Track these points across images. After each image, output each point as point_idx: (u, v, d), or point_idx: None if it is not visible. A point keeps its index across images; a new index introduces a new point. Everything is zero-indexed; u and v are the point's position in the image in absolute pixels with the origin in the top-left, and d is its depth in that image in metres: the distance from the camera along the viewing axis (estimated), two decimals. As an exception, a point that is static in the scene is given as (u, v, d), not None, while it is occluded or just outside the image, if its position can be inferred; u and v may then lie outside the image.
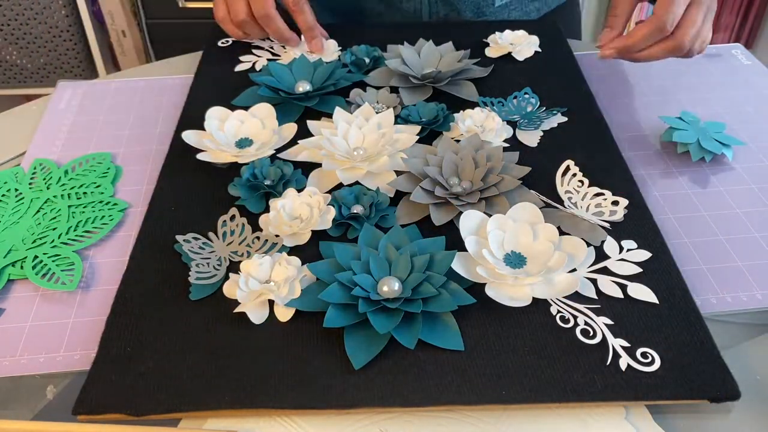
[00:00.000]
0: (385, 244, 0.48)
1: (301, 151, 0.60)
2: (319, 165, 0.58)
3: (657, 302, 0.47)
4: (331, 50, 0.75)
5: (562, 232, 0.51)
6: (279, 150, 0.60)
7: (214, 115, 0.62)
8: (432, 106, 0.64)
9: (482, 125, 0.62)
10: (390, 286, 0.45)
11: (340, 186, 0.56)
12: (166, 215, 0.55)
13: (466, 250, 0.48)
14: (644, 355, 0.43)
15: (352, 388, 0.42)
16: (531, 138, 0.62)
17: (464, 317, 0.45)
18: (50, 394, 0.44)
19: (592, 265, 0.49)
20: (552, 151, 0.61)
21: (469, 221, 0.50)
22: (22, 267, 0.51)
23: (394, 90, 0.68)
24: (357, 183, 0.56)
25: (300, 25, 0.74)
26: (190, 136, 0.61)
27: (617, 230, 0.52)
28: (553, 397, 0.41)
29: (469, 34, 0.78)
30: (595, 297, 0.47)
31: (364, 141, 0.59)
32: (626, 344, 0.44)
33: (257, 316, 0.46)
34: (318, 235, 0.52)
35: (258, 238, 0.52)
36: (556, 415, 0.42)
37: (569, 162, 0.58)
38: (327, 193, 0.55)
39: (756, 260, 0.52)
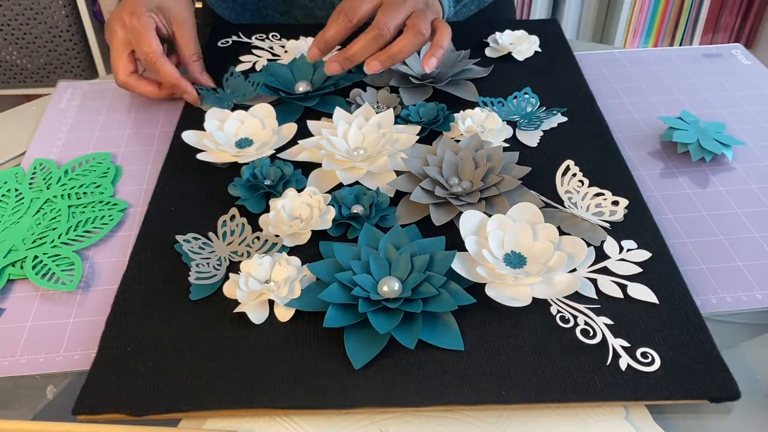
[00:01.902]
0: (385, 244, 0.48)
1: (301, 151, 0.60)
2: (319, 165, 0.58)
3: (657, 302, 0.47)
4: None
5: (562, 232, 0.51)
6: (279, 150, 0.60)
7: (214, 115, 0.62)
8: (432, 106, 0.64)
9: (482, 125, 0.62)
10: (390, 286, 0.45)
11: (340, 186, 0.56)
12: (166, 215, 0.55)
13: (466, 250, 0.48)
14: (644, 355, 0.43)
15: (352, 388, 0.42)
16: (531, 138, 0.62)
17: (464, 317, 0.45)
18: (50, 394, 0.44)
19: (592, 265, 0.49)
20: (552, 151, 0.61)
21: (469, 221, 0.50)
22: (22, 267, 0.51)
23: (394, 90, 0.68)
24: (357, 183, 0.56)
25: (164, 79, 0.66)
26: (190, 136, 0.61)
27: (617, 230, 0.52)
28: (553, 397, 0.41)
29: (469, 34, 0.78)
30: (595, 297, 0.47)
31: (364, 141, 0.59)
32: (626, 344, 0.44)
33: (257, 316, 0.46)
34: (318, 235, 0.52)
35: (258, 238, 0.52)
36: (556, 415, 0.42)
37: (569, 162, 0.58)
38: (327, 193, 0.55)
39: (756, 260, 0.52)
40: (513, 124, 0.64)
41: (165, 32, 0.68)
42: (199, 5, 1.64)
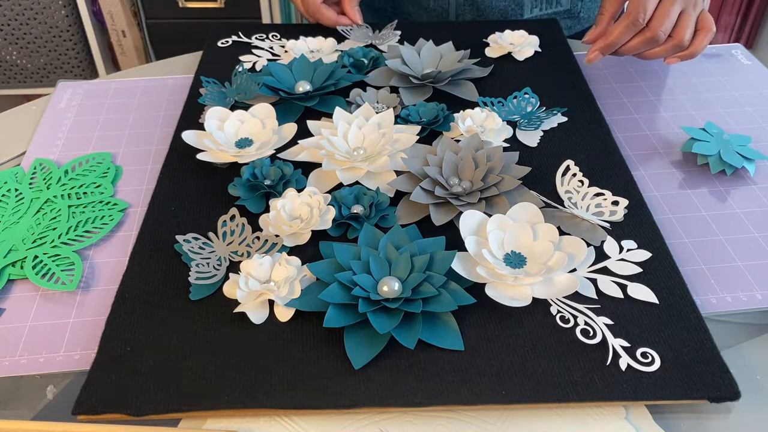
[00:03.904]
0: (385, 244, 0.48)
1: (301, 151, 0.60)
2: (319, 165, 0.58)
3: (657, 302, 0.47)
4: (330, 48, 0.75)
5: (562, 232, 0.51)
6: (279, 150, 0.60)
7: (214, 115, 0.62)
8: (432, 106, 0.64)
9: (482, 125, 0.62)
10: (390, 286, 0.45)
11: (340, 186, 0.56)
12: (166, 215, 0.55)
13: (466, 250, 0.48)
14: (644, 355, 0.43)
15: (352, 388, 0.42)
16: (531, 138, 0.62)
17: (464, 317, 0.45)
18: (50, 394, 0.44)
19: (592, 265, 0.49)
20: (552, 151, 0.61)
21: (469, 221, 0.50)
22: (22, 267, 0.51)
23: (394, 90, 0.68)
24: (357, 183, 0.56)
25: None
26: (190, 136, 0.61)
27: (617, 230, 0.52)
28: (553, 397, 0.41)
29: (469, 34, 0.78)
30: (595, 297, 0.47)
31: (364, 141, 0.59)
32: (626, 344, 0.44)
33: (257, 316, 0.46)
34: (318, 235, 0.52)
35: (258, 238, 0.52)
36: (556, 415, 0.42)
37: (569, 162, 0.58)
38: (327, 193, 0.55)
39: (756, 260, 0.52)
40: (513, 124, 0.64)
41: None
42: (199, 5, 1.64)
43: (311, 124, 0.62)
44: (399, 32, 0.78)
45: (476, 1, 0.84)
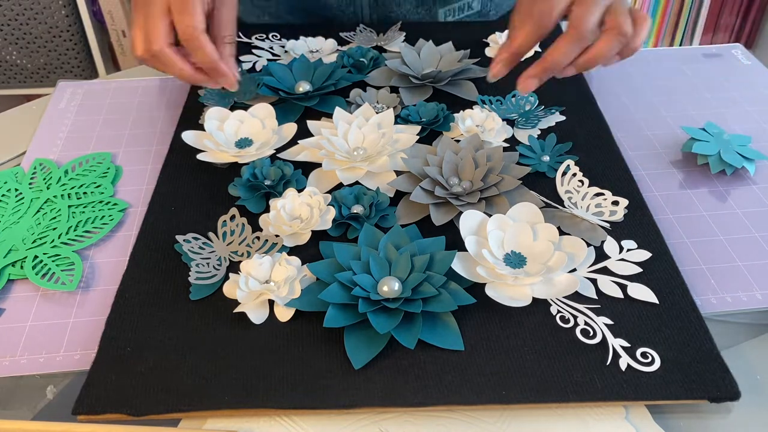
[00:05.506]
0: (385, 244, 0.48)
1: (301, 151, 0.60)
2: (319, 165, 0.58)
3: (657, 302, 0.47)
4: (330, 48, 0.75)
5: (562, 232, 0.51)
6: (279, 150, 0.60)
7: (214, 115, 0.62)
8: (432, 106, 0.64)
9: (482, 125, 0.62)
10: (390, 286, 0.45)
11: (340, 186, 0.56)
12: (166, 215, 0.55)
13: (466, 250, 0.48)
14: (644, 355, 0.43)
15: (352, 388, 0.42)
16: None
17: (464, 317, 0.45)
18: (50, 394, 0.44)
19: (592, 265, 0.49)
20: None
21: (469, 221, 0.50)
22: (22, 267, 0.51)
23: (394, 90, 0.68)
24: (357, 183, 0.56)
25: (201, 62, 0.56)
26: (190, 136, 0.61)
27: (617, 230, 0.52)
28: (553, 397, 0.41)
29: (469, 34, 0.78)
30: (595, 297, 0.47)
31: (364, 141, 0.59)
32: (626, 344, 0.44)
33: (257, 316, 0.46)
34: (318, 235, 0.52)
35: (258, 238, 0.52)
36: (556, 415, 0.42)
37: (569, 162, 0.58)
38: (327, 193, 0.55)
39: (756, 260, 0.52)
40: (511, 123, 0.64)
41: (205, 7, 0.56)
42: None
43: (311, 124, 0.62)
44: (404, 33, 0.77)
45: (389, 14, 0.82)
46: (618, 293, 0.47)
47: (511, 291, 0.47)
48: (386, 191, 0.55)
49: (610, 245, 0.51)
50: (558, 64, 0.54)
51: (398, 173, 0.57)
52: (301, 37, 0.77)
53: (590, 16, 0.52)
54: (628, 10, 0.54)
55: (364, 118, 0.61)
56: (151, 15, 0.54)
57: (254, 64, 0.74)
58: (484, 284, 0.47)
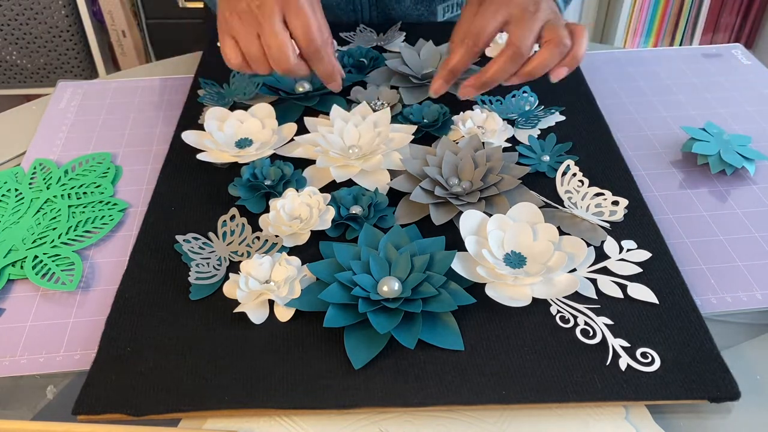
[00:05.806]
0: (385, 244, 0.48)
1: (297, 148, 0.60)
2: (314, 162, 0.58)
3: (657, 302, 0.47)
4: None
5: (562, 232, 0.51)
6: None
7: (214, 115, 0.62)
8: (435, 108, 0.64)
9: (483, 126, 0.62)
10: (390, 286, 0.45)
11: (334, 183, 0.56)
12: (166, 215, 0.55)
13: (466, 250, 0.48)
14: (644, 355, 0.43)
15: (352, 388, 0.42)
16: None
17: (464, 317, 0.45)
18: (50, 394, 0.44)
19: (592, 265, 0.49)
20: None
21: (469, 221, 0.50)
22: (22, 267, 0.51)
23: (394, 90, 0.68)
24: (350, 181, 0.56)
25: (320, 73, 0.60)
26: (190, 136, 0.61)
27: (617, 230, 0.52)
28: (553, 397, 0.41)
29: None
30: (595, 297, 0.47)
31: (360, 139, 0.59)
32: (626, 344, 0.44)
33: (257, 316, 0.46)
34: (317, 236, 0.52)
35: (258, 238, 0.52)
36: (556, 415, 0.42)
37: (569, 162, 0.58)
38: (325, 192, 0.55)
39: (756, 260, 0.52)
40: (511, 123, 0.64)
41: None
42: (199, 5, 1.64)
43: (308, 120, 0.62)
44: (404, 33, 0.77)
45: (389, 11, 0.82)
46: (618, 293, 0.47)
47: (511, 291, 0.47)
48: (383, 191, 0.55)
49: (610, 245, 0.51)
50: (496, 80, 0.58)
51: (391, 172, 0.57)
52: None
53: (528, 34, 0.56)
54: (565, 24, 0.58)
55: (360, 116, 0.61)
56: (266, 17, 0.55)
57: (254, 64, 0.74)
58: (484, 284, 0.47)
